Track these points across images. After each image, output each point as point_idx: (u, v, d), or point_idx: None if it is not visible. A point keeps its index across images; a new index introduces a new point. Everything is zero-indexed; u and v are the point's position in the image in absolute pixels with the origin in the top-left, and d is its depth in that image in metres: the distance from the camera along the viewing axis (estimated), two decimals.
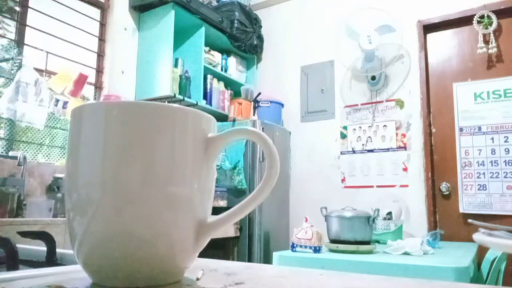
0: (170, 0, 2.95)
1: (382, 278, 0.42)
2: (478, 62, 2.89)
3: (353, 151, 3.18)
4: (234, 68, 3.61)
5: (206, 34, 3.21)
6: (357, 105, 3.22)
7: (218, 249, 2.79)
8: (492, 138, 2.75)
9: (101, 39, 3.02)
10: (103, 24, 3.04)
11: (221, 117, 3.29)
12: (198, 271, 0.43)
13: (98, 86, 2.96)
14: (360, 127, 3.18)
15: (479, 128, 2.80)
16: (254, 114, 3.24)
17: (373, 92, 3.17)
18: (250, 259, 2.79)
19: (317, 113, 3.39)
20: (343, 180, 3.18)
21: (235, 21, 3.43)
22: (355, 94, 3.24)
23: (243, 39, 3.49)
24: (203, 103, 3.15)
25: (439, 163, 2.93)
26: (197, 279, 0.40)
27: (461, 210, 2.77)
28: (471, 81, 2.87)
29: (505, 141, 2.71)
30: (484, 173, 2.75)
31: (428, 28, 3.05)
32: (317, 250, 1.81)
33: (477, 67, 2.89)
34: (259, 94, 3.33)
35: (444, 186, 2.87)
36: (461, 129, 2.85)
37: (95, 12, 3.03)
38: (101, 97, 2.89)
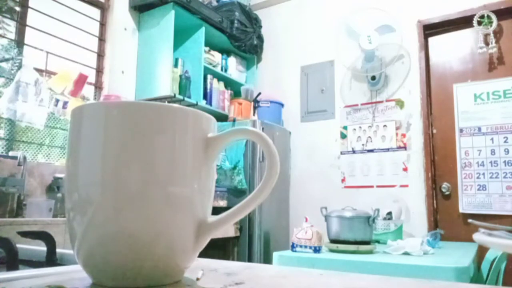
0: (170, 0, 2.95)
1: (382, 278, 0.42)
2: (478, 63, 2.89)
3: (353, 151, 3.18)
4: (234, 68, 3.61)
5: (206, 34, 3.21)
6: (357, 105, 3.22)
7: (218, 249, 2.79)
8: (492, 139, 2.75)
9: (101, 39, 3.02)
10: (103, 24, 3.04)
11: (221, 117, 3.29)
12: (198, 271, 0.43)
13: (98, 86, 2.96)
14: (360, 127, 3.18)
15: (479, 129, 2.80)
16: (254, 114, 3.24)
17: (373, 92, 3.17)
18: (250, 259, 2.79)
19: (317, 113, 3.39)
20: (343, 180, 3.18)
21: (235, 21, 3.43)
22: (355, 94, 3.24)
23: (243, 39, 3.49)
24: (203, 103, 3.15)
25: (440, 164, 2.93)
26: (197, 279, 0.40)
27: (460, 210, 2.77)
28: (471, 82, 2.87)
29: (505, 142, 2.71)
30: (484, 174, 2.75)
31: (429, 28, 3.05)
32: (317, 250, 1.81)
33: (477, 68, 2.89)
34: (259, 94, 3.33)
35: (444, 186, 2.88)
36: (461, 130, 2.85)
37: (95, 12, 3.03)
38: (101, 97, 2.89)
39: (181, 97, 2.95)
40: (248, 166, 2.92)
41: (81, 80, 2.60)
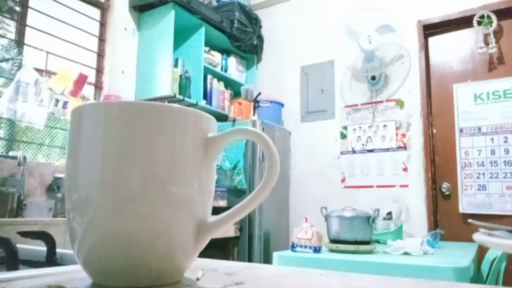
0: (170, 0, 2.95)
1: (382, 278, 0.42)
2: (478, 63, 2.89)
3: (353, 151, 3.18)
4: (234, 68, 3.61)
5: (206, 34, 3.21)
6: (357, 105, 3.22)
7: (218, 249, 2.79)
8: (492, 139, 2.75)
9: (101, 39, 3.02)
10: (103, 24, 3.04)
11: (221, 117, 3.29)
12: (198, 271, 0.43)
13: (98, 86, 2.96)
14: (360, 127, 3.18)
15: (479, 129, 2.80)
16: (254, 114, 3.24)
17: (373, 92, 3.17)
18: (250, 259, 2.79)
19: (317, 113, 3.39)
20: (343, 180, 3.18)
21: (235, 21, 3.43)
22: (355, 94, 3.24)
23: (243, 39, 3.49)
24: (203, 103, 3.15)
25: (440, 164, 2.93)
26: (197, 279, 0.40)
27: (460, 210, 2.77)
28: (471, 82, 2.87)
29: (505, 142, 2.71)
30: (484, 174, 2.75)
31: (429, 28, 3.05)
32: (317, 250, 1.81)
33: (477, 68, 2.89)
34: (259, 94, 3.33)
35: (444, 187, 2.88)
36: (461, 130, 2.85)
37: (95, 12, 3.03)
38: (101, 97, 2.89)
39: (181, 97, 2.95)
40: (248, 166, 2.92)
41: (81, 80, 2.60)
